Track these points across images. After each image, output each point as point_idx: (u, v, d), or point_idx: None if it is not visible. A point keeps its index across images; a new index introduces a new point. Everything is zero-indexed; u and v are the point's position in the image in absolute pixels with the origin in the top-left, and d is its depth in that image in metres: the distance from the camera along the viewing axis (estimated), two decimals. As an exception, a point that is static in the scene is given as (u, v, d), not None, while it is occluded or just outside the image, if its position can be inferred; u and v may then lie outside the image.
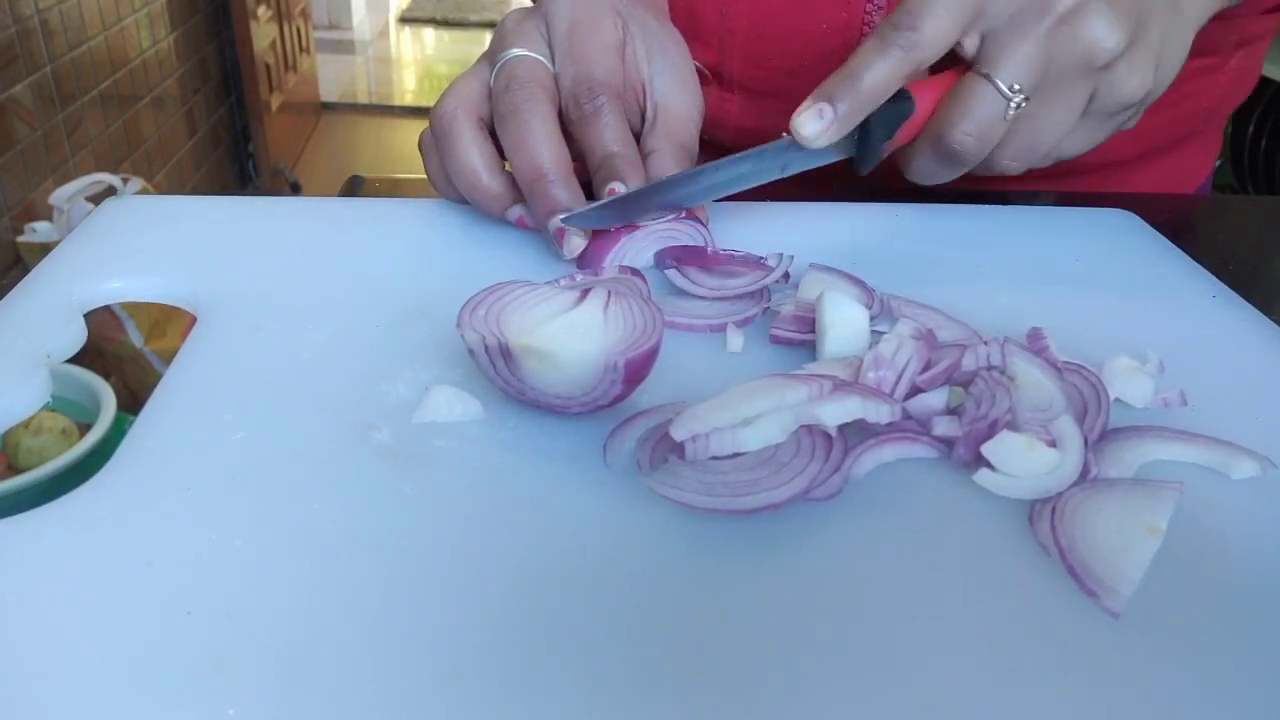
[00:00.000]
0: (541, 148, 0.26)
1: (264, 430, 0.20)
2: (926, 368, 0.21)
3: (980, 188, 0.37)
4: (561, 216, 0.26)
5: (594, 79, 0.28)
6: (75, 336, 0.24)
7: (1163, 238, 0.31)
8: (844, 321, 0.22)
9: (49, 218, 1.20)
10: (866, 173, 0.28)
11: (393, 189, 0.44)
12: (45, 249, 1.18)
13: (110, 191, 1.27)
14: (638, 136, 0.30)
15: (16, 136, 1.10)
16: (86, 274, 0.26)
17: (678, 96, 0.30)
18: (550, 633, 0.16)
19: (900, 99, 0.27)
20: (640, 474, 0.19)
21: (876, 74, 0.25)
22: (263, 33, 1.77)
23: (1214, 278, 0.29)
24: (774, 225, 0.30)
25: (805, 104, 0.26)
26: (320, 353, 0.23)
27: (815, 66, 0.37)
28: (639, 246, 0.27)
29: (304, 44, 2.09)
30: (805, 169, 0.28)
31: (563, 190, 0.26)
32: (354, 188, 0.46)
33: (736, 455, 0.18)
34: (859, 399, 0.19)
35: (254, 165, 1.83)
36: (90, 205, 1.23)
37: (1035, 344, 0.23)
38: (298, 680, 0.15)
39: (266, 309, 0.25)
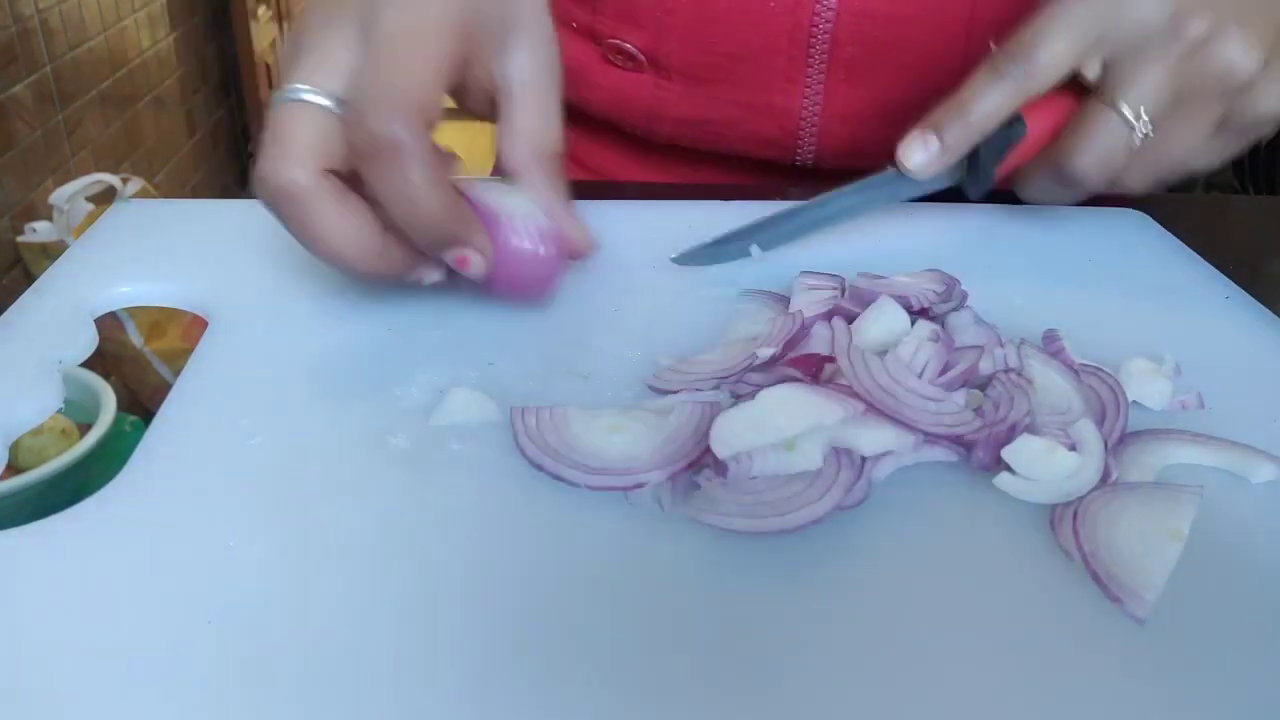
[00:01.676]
0: (337, 250, 0.20)
1: (280, 435, 0.20)
2: (944, 370, 0.21)
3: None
4: (673, 257, 0.25)
5: (394, 88, 0.19)
6: (87, 342, 0.24)
7: (1175, 238, 0.31)
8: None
9: (49, 218, 1.20)
10: (978, 198, 0.28)
11: None
12: (45, 249, 1.17)
13: (110, 191, 1.26)
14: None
15: (16, 136, 1.10)
16: (96, 279, 0.26)
17: (533, 84, 0.23)
18: (571, 640, 0.15)
19: (1012, 122, 0.26)
20: (664, 509, 0.18)
21: (987, 104, 0.25)
22: (263, 33, 1.76)
23: (1228, 279, 0.29)
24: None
25: (912, 132, 0.26)
26: (332, 356, 0.23)
27: (764, 49, 0.35)
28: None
29: (304, 44, 2.08)
30: (917, 196, 0.27)
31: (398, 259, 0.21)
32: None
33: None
34: (893, 430, 0.19)
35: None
36: (90, 205, 1.22)
37: (1052, 346, 0.23)
38: (319, 689, 0.14)
39: (277, 313, 0.25)
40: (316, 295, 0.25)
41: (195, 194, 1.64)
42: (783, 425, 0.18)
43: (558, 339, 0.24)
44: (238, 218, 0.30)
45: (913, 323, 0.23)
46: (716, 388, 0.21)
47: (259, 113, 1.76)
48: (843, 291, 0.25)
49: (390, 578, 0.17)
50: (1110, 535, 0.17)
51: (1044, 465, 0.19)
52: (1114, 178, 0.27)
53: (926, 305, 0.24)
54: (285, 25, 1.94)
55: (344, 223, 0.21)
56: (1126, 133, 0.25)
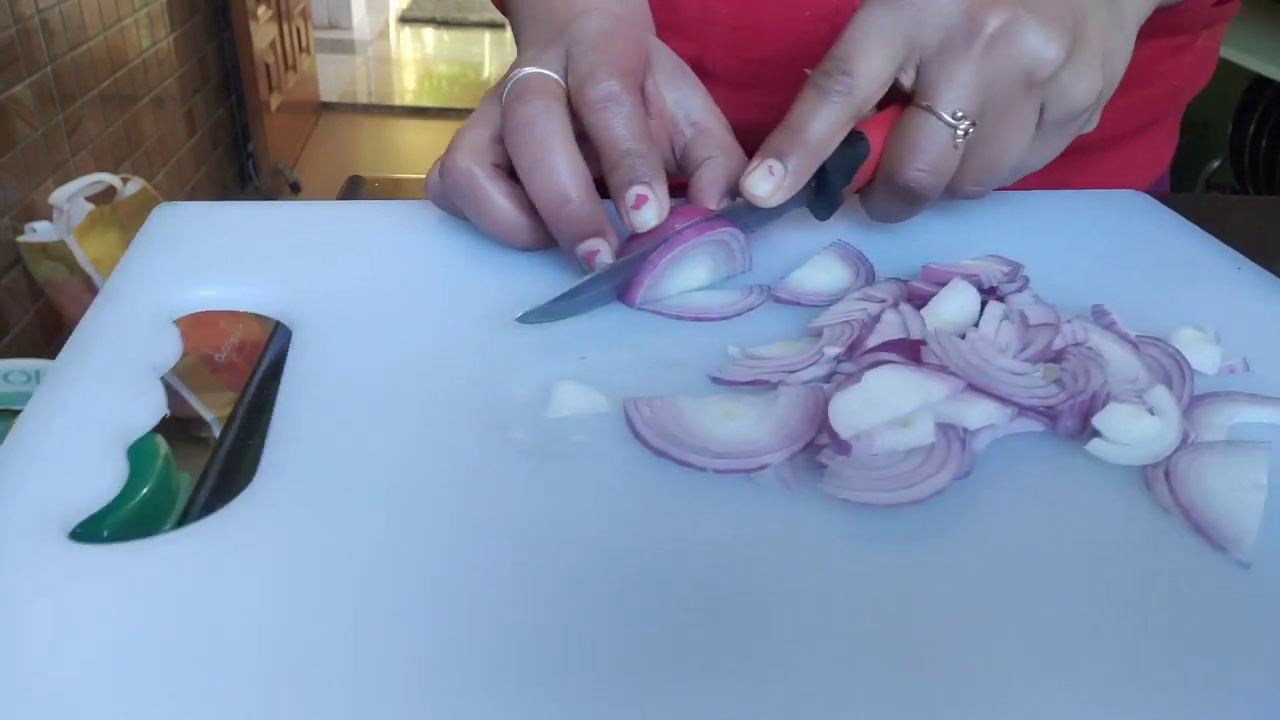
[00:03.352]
0: (560, 168, 0.24)
1: (403, 435, 0.20)
2: (1021, 347, 0.22)
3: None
4: (518, 316, 0.24)
5: (612, 65, 0.25)
6: (174, 348, 0.23)
7: (1177, 215, 0.33)
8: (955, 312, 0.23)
9: (49, 218, 1.19)
10: (827, 218, 0.28)
11: (393, 189, 0.44)
12: (45, 249, 1.16)
13: (110, 191, 1.25)
14: (672, 173, 0.28)
15: (16, 136, 1.09)
16: (170, 284, 0.25)
17: (710, 111, 0.29)
18: (729, 612, 0.16)
19: (853, 140, 0.26)
20: (790, 488, 0.19)
21: (820, 123, 0.25)
22: (263, 33, 1.76)
23: (1236, 251, 0.30)
24: (805, 220, 0.30)
25: (753, 163, 0.25)
26: (429, 357, 0.23)
27: (798, 56, 0.36)
28: (682, 268, 0.26)
29: (304, 44, 2.08)
30: (765, 224, 0.27)
31: (590, 212, 0.25)
32: (354, 188, 0.46)
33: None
34: (993, 404, 0.20)
35: (254, 165, 1.81)
36: (90, 205, 1.22)
37: (1102, 320, 0.25)
38: (502, 672, 0.15)
39: (359, 316, 0.24)
40: (392, 298, 0.25)
41: (195, 194, 1.62)
42: (895, 404, 0.19)
43: (638, 331, 0.25)
44: (294, 221, 0.29)
45: (984, 304, 0.24)
46: (780, 382, 0.21)
47: (259, 113, 1.75)
48: (896, 302, 0.25)
49: (548, 564, 0.17)
50: (1200, 490, 0.19)
51: (1131, 430, 0.20)
52: (948, 184, 0.27)
53: (995, 285, 0.25)
54: (285, 25, 1.94)
55: (505, 202, 0.26)
56: (948, 133, 0.25)
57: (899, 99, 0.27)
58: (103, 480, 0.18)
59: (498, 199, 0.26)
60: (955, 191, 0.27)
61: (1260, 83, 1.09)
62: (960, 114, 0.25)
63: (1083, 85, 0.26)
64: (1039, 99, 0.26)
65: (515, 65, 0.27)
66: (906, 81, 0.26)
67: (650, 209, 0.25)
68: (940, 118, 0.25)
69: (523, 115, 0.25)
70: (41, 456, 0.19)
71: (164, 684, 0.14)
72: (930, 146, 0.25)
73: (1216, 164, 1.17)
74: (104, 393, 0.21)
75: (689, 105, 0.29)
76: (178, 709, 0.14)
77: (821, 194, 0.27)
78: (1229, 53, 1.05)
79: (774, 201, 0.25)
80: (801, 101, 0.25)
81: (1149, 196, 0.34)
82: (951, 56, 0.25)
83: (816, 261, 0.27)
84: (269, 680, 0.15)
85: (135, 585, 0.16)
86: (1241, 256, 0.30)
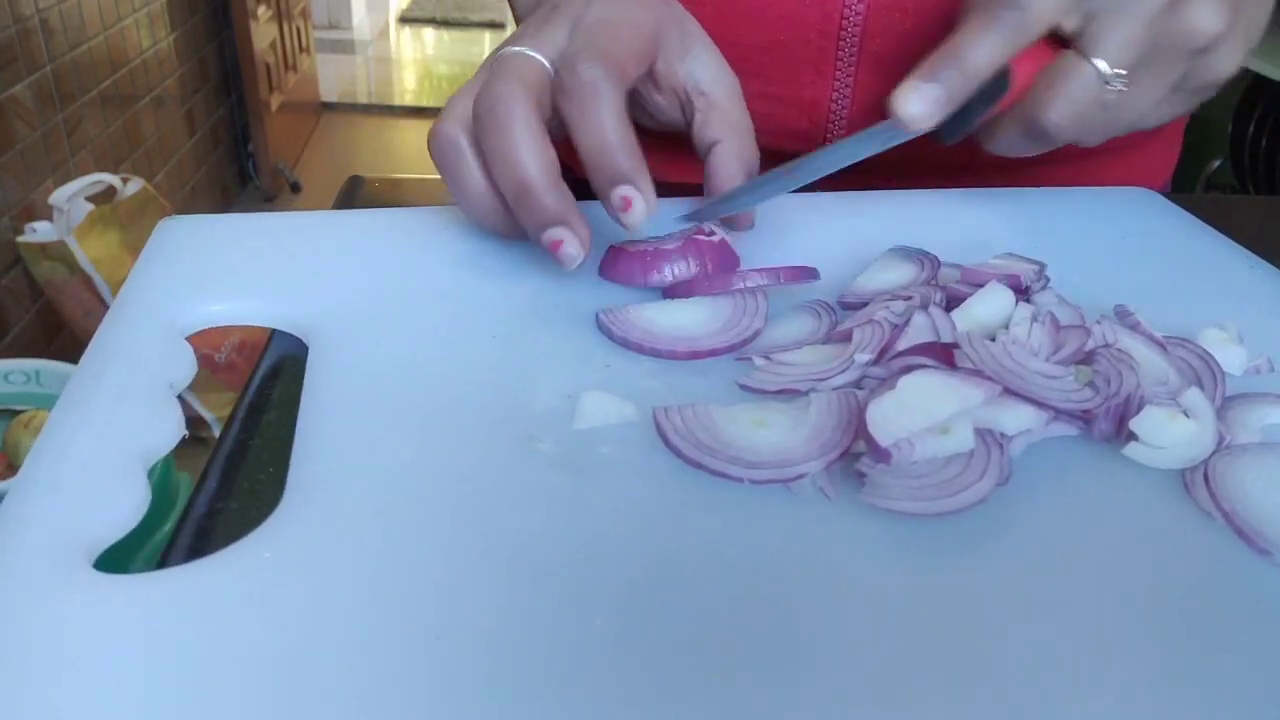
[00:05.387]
0: (522, 156, 0.23)
1: (430, 447, 0.19)
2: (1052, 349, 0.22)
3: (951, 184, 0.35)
4: (684, 215, 0.24)
5: (600, 52, 0.24)
6: (189, 363, 0.22)
7: (1186, 213, 0.32)
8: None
9: (49, 218, 1.18)
10: (951, 143, 0.27)
11: (393, 189, 0.42)
12: (45, 249, 1.16)
13: (110, 191, 1.25)
14: (682, 136, 0.28)
15: (16, 136, 1.08)
16: (181, 299, 0.25)
17: (722, 78, 0.28)
18: (771, 627, 0.15)
19: (998, 73, 0.25)
20: (830, 498, 0.18)
21: (983, 52, 0.24)
22: (263, 33, 1.74)
23: (1245, 249, 0.30)
24: (807, 220, 0.30)
25: (908, 83, 0.24)
26: (449, 367, 0.22)
27: (793, 42, 0.35)
28: (673, 268, 0.25)
29: (304, 44, 2.06)
30: (899, 142, 0.26)
31: (552, 202, 0.24)
32: (354, 188, 0.45)
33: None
34: (1030, 408, 0.19)
35: (254, 165, 1.80)
36: (90, 205, 1.21)
37: (1127, 321, 0.24)
38: (553, 692, 0.14)
39: (375, 327, 0.24)
40: (406, 308, 0.25)
41: (195, 194, 1.61)
42: (932, 410, 0.18)
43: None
44: (302, 231, 0.28)
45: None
46: (810, 390, 0.21)
47: (259, 113, 1.74)
48: (935, 282, 0.25)
49: (586, 580, 0.16)
50: (1242, 494, 0.18)
51: (1168, 433, 0.19)
52: (1082, 132, 0.26)
53: (1029, 285, 0.24)
54: (285, 25, 1.93)
55: (481, 178, 0.25)
56: (1100, 87, 0.25)
57: (1048, 40, 0.26)
58: (125, 507, 0.18)
59: (475, 174, 0.25)
60: (1077, 140, 0.27)
61: (1260, 83, 1.09)
62: (1119, 72, 0.24)
63: (1229, 60, 0.26)
64: (1186, 67, 0.25)
65: (510, 40, 0.26)
66: (1069, 26, 0.25)
67: (639, 208, 0.24)
68: (1099, 71, 0.24)
69: (488, 99, 0.24)
70: (62, 483, 0.18)
71: (200, 715, 0.14)
72: (1080, 97, 0.25)
73: (1216, 164, 1.17)
74: (122, 414, 0.20)
75: (699, 73, 0.28)
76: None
77: (955, 119, 0.26)
78: (1230, 53, 1.04)
79: (926, 125, 0.24)
80: (966, 26, 0.24)
81: (1159, 195, 0.34)
82: (1126, 12, 0.24)
83: (880, 264, 0.27)
84: (315, 700, 0.14)
85: (167, 613, 0.15)
86: (1254, 256, 0.30)
